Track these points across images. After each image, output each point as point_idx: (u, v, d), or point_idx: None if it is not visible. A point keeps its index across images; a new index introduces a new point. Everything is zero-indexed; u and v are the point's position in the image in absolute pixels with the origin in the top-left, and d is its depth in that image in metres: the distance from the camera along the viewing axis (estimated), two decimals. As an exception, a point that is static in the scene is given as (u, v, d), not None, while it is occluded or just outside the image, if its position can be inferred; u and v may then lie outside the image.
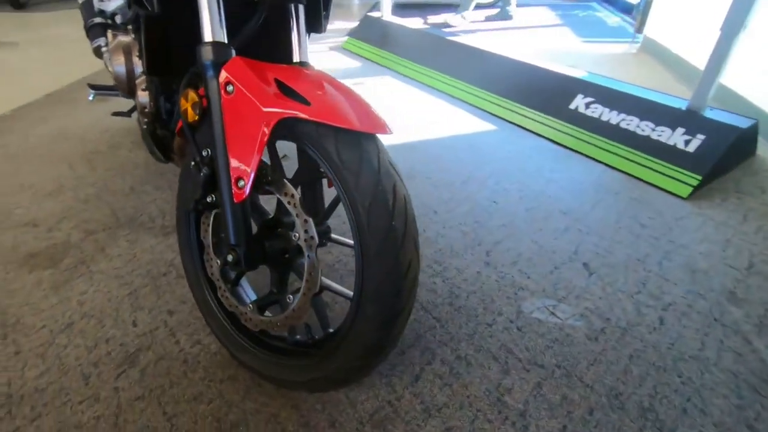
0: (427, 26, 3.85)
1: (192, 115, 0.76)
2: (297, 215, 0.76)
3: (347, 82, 2.87)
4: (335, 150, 0.68)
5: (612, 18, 4.47)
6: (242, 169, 0.72)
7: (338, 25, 4.35)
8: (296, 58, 0.92)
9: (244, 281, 0.99)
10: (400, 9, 4.34)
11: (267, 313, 0.89)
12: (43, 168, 1.84)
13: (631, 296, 1.16)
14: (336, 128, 0.68)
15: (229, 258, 0.78)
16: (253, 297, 0.95)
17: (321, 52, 3.40)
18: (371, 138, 0.71)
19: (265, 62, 0.76)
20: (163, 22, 0.82)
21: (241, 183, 0.73)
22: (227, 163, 0.73)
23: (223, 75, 0.72)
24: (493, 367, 0.98)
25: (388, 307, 0.70)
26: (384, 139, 2.03)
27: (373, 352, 0.74)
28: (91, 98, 1.48)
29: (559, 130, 1.97)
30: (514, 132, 2.09)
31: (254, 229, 0.87)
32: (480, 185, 1.66)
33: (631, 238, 1.38)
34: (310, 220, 0.75)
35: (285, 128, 0.71)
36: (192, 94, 0.75)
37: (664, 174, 1.62)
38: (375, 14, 3.47)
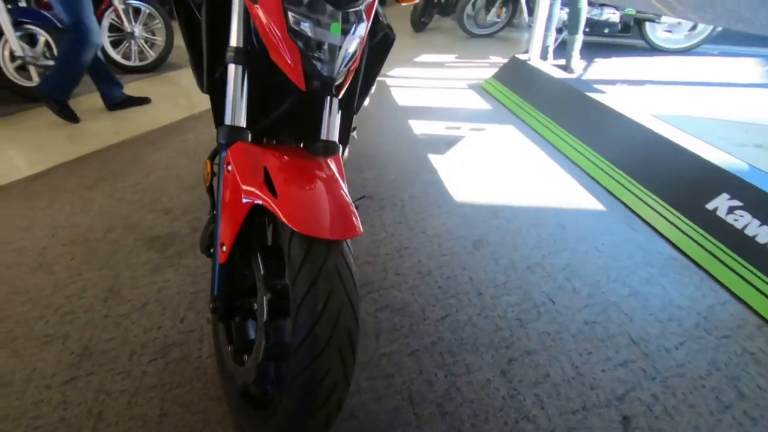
0: (572, 76, 3.51)
1: (207, 181, 0.90)
2: (260, 288, 0.84)
3: (467, 126, 2.86)
4: (288, 243, 0.73)
5: None
6: (226, 236, 0.83)
7: (494, 60, 4.30)
8: (323, 136, 0.98)
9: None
10: (583, 49, 3.96)
11: None
12: (195, 164, 2.34)
13: (666, 484, 0.91)
14: None
15: (210, 306, 0.90)
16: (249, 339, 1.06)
17: (457, 89, 3.42)
18: (325, 241, 0.74)
19: (270, 146, 0.85)
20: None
21: (224, 248, 0.84)
22: (219, 228, 0.85)
23: (228, 155, 0.84)
24: (445, 496, 0.89)
25: (299, 407, 0.72)
26: (468, 197, 1.96)
27: None
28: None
29: (682, 232, 1.60)
30: (625, 219, 1.78)
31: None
32: (545, 276, 1.48)
33: (714, 405, 1.06)
34: (266, 298, 0.82)
35: (266, 211, 0.79)
36: (208, 165, 0.90)
37: (814, 331, 1.19)
38: (523, 56, 3.33)
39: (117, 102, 3.04)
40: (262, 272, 0.84)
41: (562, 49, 3.81)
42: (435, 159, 2.32)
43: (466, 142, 2.52)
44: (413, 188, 2.04)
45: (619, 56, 4.28)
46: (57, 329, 1.31)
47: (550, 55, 3.87)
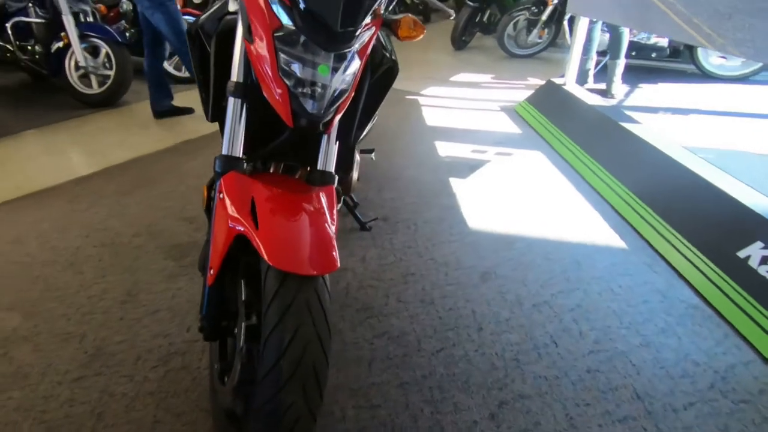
0: (612, 101, 3.38)
1: (204, 204, 0.95)
2: (240, 313, 0.86)
3: (493, 150, 2.81)
4: (265, 274, 0.76)
5: None
6: (214, 260, 0.87)
7: (532, 81, 4.22)
8: (319, 166, 1.00)
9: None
10: (628, 73, 3.80)
11: None
12: (224, 176, 2.44)
13: None
14: None
15: (198, 325, 0.94)
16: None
17: (489, 111, 3.39)
18: (299, 275, 0.75)
19: (263, 175, 0.89)
20: None
21: (212, 271, 0.88)
22: (208, 251, 0.89)
23: (221, 184, 0.88)
24: None
25: (262, 437, 0.73)
26: (484, 225, 1.92)
27: None
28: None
29: (709, 279, 1.50)
30: (647, 260, 1.69)
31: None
32: (552, 316, 1.43)
33: (719, 477, 0.97)
34: (244, 323, 0.84)
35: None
36: (205, 190, 0.94)
37: None
38: (559, 80, 3.25)
39: (163, 111, 3.25)
40: (243, 298, 0.86)
41: (605, 72, 3.67)
42: (456, 183, 2.30)
43: (490, 167, 2.49)
44: (429, 212, 2.04)
45: (666, 82, 4.07)
46: (76, 328, 1.40)
47: (591, 78, 3.76)
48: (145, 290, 1.57)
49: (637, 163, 2.14)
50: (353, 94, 0.93)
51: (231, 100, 0.90)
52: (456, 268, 1.66)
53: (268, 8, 0.81)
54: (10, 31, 3.54)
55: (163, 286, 1.59)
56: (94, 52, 3.42)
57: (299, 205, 0.85)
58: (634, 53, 4.18)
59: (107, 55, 3.40)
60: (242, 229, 0.79)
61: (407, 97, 3.74)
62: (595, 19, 3.14)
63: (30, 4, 3.47)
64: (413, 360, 1.28)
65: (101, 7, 3.81)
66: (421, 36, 1.04)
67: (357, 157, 1.46)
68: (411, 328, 1.39)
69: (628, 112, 2.82)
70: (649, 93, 3.80)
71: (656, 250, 1.72)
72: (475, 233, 1.88)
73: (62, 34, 3.28)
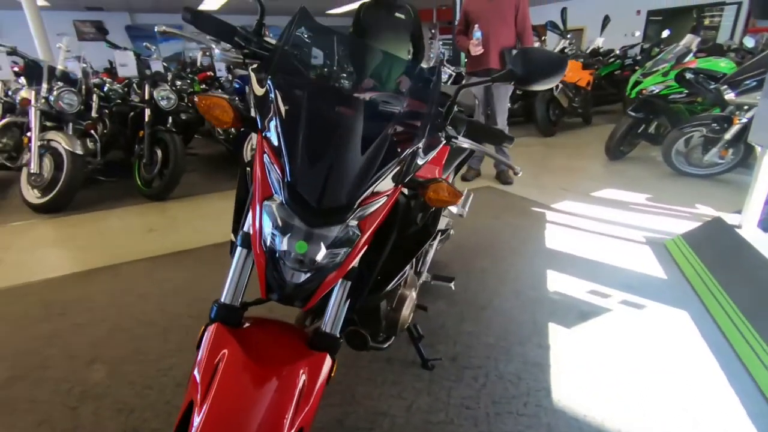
0: None
1: (196, 343, 0.95)
2: None
3: (619, 296, 2.30)
4: None
5: None
6: (182, 408, 0.83)
7: (701, 210, 3.48)
8: (325, 327, 0.92)
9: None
10: None
11: None
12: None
13: None
14: None
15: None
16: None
17: (630, 242, 2.84)
18: None
19: (260, 326, 0.85)
20: None
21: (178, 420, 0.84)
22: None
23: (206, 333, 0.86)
24: None
25: None
26: (574, 403, 1.49)
27: None
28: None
29: None
30: None
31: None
32: None
33: None
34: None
35: None
36: (201, 331, 0.94)
37: None
38: (732, 218, 2.57)
39: None
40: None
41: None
42: (555, 332, 1.92)
43: (608, 319, 2.02)
44: (508, 364, 1.72)
45: None
46: (132, 400, 1.54)
47: (789, 219, 2.89)
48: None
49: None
50: (348, 268, 0.85)
51: (238, 249, 0.91)
52: (514, 458, 1.31)
53: (264, 178, 0.83)
54: (218, 118, 4.68)
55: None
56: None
57: (266, 382, 0.77)
58: None
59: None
60: (199, 386, 0.75)
61: (533, 208, 3.46)
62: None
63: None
64: None
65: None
66: (457, 202, 0.92)
67: (413, 294, 1.33)
68: None
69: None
70: None
71: None
72: (556, 413, 1.49)
73: (247, 122, 4.15)
